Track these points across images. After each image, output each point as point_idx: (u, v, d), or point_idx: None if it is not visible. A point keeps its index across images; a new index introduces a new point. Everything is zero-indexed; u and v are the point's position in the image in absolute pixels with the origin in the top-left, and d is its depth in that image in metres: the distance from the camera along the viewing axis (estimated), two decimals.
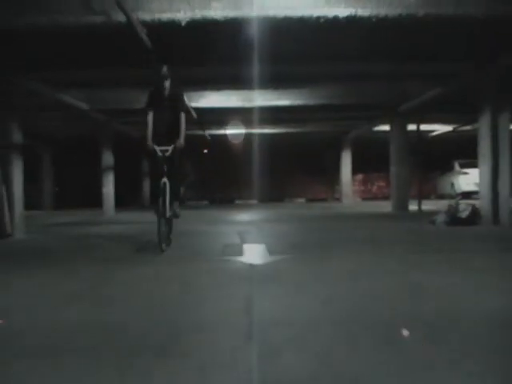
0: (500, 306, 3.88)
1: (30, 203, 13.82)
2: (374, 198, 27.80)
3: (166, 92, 7.42)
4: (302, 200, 28.52)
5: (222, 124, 20.68)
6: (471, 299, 4.15)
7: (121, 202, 20.30)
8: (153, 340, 3.20)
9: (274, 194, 27.55)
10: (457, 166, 24.93)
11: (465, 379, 2.47)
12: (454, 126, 21.17)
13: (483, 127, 10.72)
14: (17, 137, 10.33)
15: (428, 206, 17.15)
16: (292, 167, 27.98)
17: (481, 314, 3.66)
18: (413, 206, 16.46)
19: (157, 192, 7.29)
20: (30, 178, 13.20)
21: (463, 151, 20.99)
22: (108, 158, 18.94)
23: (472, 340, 3.09)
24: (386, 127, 18.56)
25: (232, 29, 7.92)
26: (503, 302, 4.04)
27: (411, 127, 16.93)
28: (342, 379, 2.51)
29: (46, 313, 4.01)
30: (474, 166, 12.32)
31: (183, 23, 7.33)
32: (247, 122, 18.98)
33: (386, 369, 2.63)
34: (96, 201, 19.65)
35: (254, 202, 26.75)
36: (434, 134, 23.04)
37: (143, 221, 14.97)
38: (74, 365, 2.79)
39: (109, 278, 5.54)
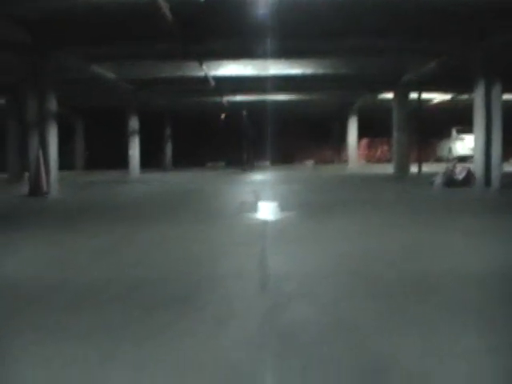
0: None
1: (64, 165, 14.00)
2: (378, 161, 27.76)
3: None
4: (310, 162, 28.52)
5: (239, 91, 20.60)
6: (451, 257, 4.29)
7: (145, 164, 20.41)
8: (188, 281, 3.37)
9: (285, 156, 27.53)
10: (454, 133, 24.84)
11: None
12: (452, 95, 20.96)
13: (477, 98, 10.69)
14: (52, 106, 10.53)
15: (427, 168, 17.16)
16: (302, 132, 27.90)
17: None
18: (413, 169, 16.48)
19: None
20: (64, 142, 13.37)
21: (460, 119, 20.84)
22: (134, 124, 19.06)
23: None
24: (390, 95, 18.42)
25: (248, 5, 7.93)
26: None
27: (413, 95, 16.83)
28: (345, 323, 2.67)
29: (82, 262, 4.20)
30: (470, 132, 12.30)
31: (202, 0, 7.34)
32: (261, 90, 18.88)
33: None
34: (122, 163, 19.80)
35: (267, 163, 26.77)
36: (434, 102, 22.83)
37: (164, 180, 15.19)
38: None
39: (138, 234, 5.67)
